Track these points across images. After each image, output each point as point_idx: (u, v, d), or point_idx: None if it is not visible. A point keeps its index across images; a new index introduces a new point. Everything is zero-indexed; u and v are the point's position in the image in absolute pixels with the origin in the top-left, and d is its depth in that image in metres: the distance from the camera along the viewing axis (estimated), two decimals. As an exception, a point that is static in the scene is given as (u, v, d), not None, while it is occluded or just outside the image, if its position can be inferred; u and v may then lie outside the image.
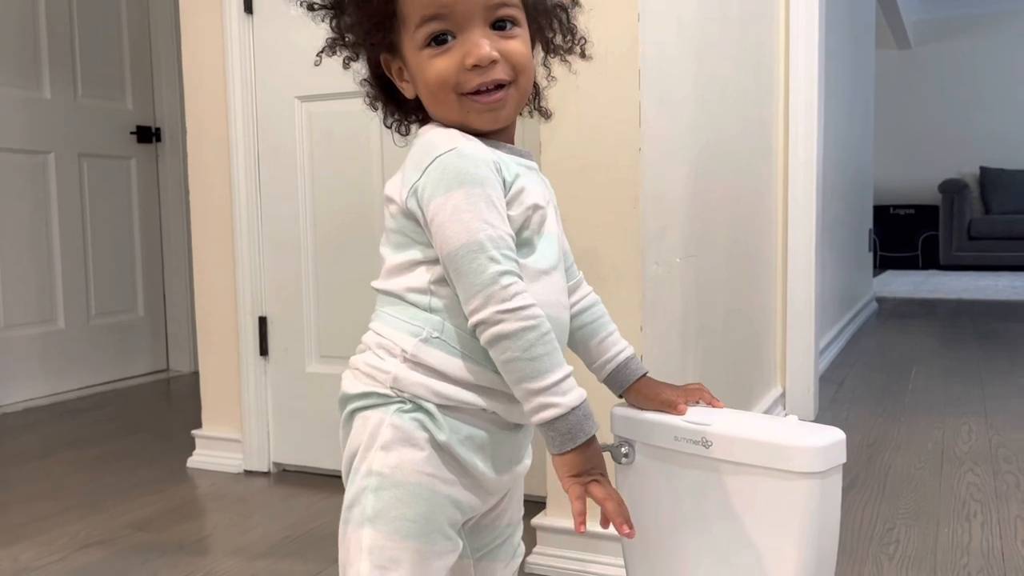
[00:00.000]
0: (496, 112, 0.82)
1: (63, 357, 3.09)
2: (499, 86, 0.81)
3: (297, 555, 1.62)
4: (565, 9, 0.90)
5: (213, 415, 2.20)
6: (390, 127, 0.94)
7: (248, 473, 2.12)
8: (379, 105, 0.93)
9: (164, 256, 3.47)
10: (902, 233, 7.51)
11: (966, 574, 1.46)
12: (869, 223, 5.05)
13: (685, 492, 0.90)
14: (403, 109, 0.91)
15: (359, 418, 0.83)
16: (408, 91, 0.87)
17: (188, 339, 3.39)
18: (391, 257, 0.84)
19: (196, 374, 2.23)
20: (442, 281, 0.81)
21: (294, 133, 2.04)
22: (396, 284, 0.83)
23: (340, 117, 1.98)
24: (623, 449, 0.95)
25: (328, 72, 2.06)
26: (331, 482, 2.01)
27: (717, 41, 1.85)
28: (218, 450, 2.17)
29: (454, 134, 0.82)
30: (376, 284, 0.86)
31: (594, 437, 0.78)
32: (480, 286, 0.76)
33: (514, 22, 0.83)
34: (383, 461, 0.79)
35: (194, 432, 2.22)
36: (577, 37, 0.91)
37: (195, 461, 2.19)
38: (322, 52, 0.90)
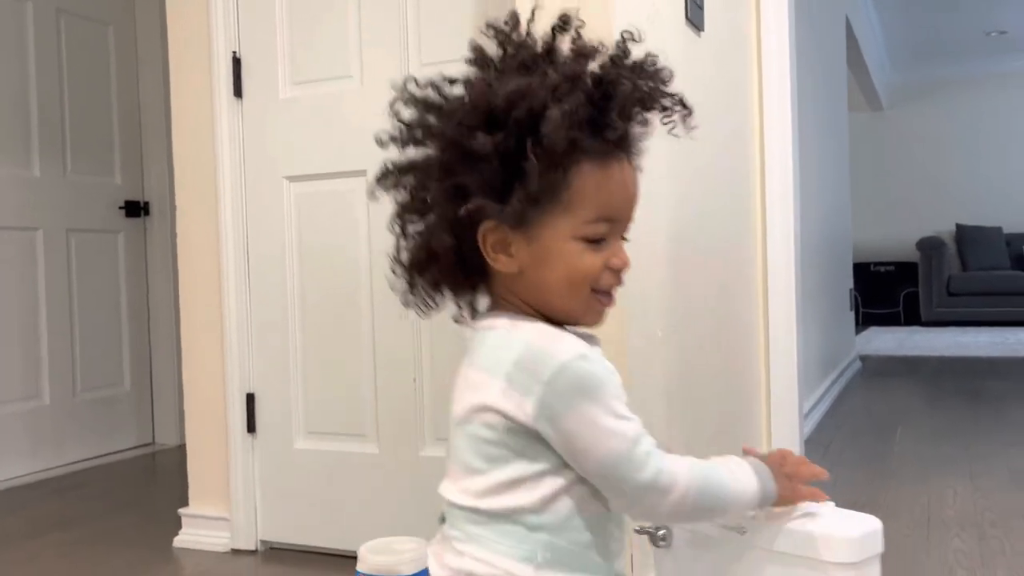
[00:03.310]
0: (605, 314, 0.86)
1: (49, 433, 3.07)
2: (612, 289, 0.85)
3: (285, 638, 1.60)
4: None
5: (200, 492, 2.19)
6: (418, 295, 0.89)
7: (235, 552, 2.10)
8: (427, 270, 0.87)
9: (151, 329, 3.47)
10: (883, 289, 7.61)
11: (955, 645, 1.46)
12: (849, 283, 5.13)
13: (704, 573, 0.90)
14: (456, 278, 0.87)
15: None
16: (505, 265, 0.83)
17: (175, 412, 3.37)
18: (489, 473, 0.79)
19: (182, 447, 2.22)
20: (555, 498, 0.78)
21: (282, 212, 2.07)
22: (499, 503, 0.78)
23: (326, 196, 2.03)
24: (660, 532, 0.95)
25: (315, 152, 2.09)
26: (320, 559, 2.00)
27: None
28: (205, 528, 2.15)
29: (555, 332, 0.81)
30: (462, 500, 0.80)
31: (771, 474, 0.85)
32: (638, 492, 0.78)
33: (625, 238, 0.87)
34: None
35: (180, 511, 2.20)
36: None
37: (181, 540, 2.16)
38: (382, 180, 0.88)
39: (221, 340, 2.13)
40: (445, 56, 1.78)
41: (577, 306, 0.83)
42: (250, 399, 2.11)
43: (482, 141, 0.79)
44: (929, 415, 3.58)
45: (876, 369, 4.99)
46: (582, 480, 0.79)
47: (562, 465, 0.79)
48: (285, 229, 2.07)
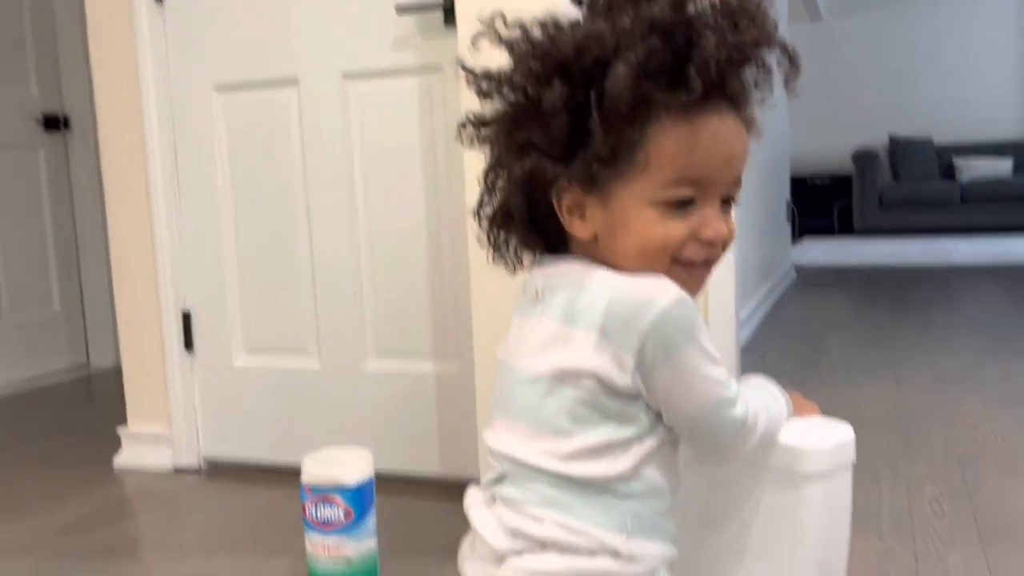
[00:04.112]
0: (698, 286, 0.78)
1: (-24, 357, 2.98)
2: (708, 262, 0.77)
3: (231, 552, 1.61)
4: None
5: (138, 412, 2.16)
6: (501, 252, 0.84)
7: (178, 470, 2.09)
8: (510, 229, 0.82)
9: (79, 248, 3.36)
10: (819, 202, 7.75)
11: (876, 535, 1.54)
12: (787, 195, 5.21)
13: (695, 493, 0.88)
14: (532, 238, 0.82)
15: None
16: (580, 229, 0.77)
17: (109, 333, 3.29)
18: (575, 436, 0.73)
19: (119, 368, 2.18)
20: (643, 464, 0.74)
21: (211, 123, 1.99)
22: (587, 470, 0.73)
23: (258, 107, 1.95)
24: None
25: (244, 60, 2.01)
26: (264, 475, 2.00)
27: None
28: (145, 447, 2.13)
29: (645, 275, 0.74)
30: (543, 463, 0.74)
31: (787, 398, 0.85)
32: (729, 437, 0.76)
33: (734, 199, 0.78)
34: None
35: (119, 430, 2.17)
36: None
37: (122, 460, 2.14)
38: (463, 128, 0.81)
39: (153, 258, 2.07)
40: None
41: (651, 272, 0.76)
42: (186, 317, 2.06)
43: (548, 93, 0.73)
44: (859, 322, 3.70)
45: (810, 279, 5.13)
46: (663, 444, 0.76)
47: (649, 428, 0.75)
48: (216, 141, 2.00)
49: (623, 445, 0.74)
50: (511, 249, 0.84)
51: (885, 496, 1.72)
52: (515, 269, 0.85)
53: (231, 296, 2.03)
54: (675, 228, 0.74)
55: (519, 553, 0.73)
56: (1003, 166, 7.25)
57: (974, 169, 7.26)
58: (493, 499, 0.78)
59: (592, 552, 0.72)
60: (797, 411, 0.86)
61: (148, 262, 2.08)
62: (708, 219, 0.75)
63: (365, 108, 1.86)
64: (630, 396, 0.73)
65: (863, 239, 7.29)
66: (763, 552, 0.85)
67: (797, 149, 6.28)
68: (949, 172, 7.42)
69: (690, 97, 0.71)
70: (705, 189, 0.75)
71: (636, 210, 0.74)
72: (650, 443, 0.75)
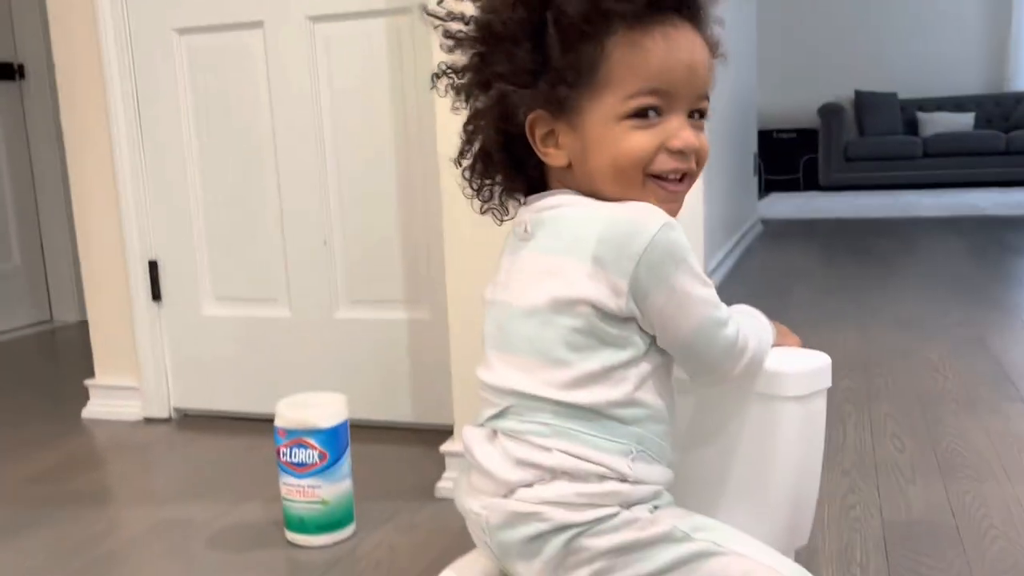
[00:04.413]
0: (676, 203, 0.77)
1: (-65, 312, 2.92)
2: (682, 176, 0.77)
3: (203, 498, 1.61)
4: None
5: (106, 364, 2.14)
6: (486, 201, 0.83)
7: (148, 420, 2.08)
8: (491, 173, 0.81)
9: (39, 201, 3.28)
10: (785, 156, 7.80)
11: (841, 470, 1.58)
12: (754, 148, 5.23)
13: (680, 414, 0.91)
14: (511, 180, 0.82)
15: (594, 539, 0.74)
16: (555, 158, 0.77)
17: (72, 287, 3.24)
18: (575, 364, 0.74)
19: (83, 323, 2.15)
20: (643, 387, 0.75)
21: (174, 67, 1.95)
22: (590, 396, 0.74)
23: (222, 51, 1.91)
24: None
25: (207, 2, 1.96)
26: (236, 424, 2.00)
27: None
28: (114, 399, 2.11)
29: (633, 203, 0.74)
30: (545, 393, 0.74)
31: (773, 327, 0.88)
32: (719, 358, 0.77)
33: (703, 114, 0.78)
34: (652, 531, 0.74)
35: (87, 382, 2.15)
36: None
37: (90, 411, 2.13)
38: (437, 78, 0.80)
39: (117, 208, 2.03)
40: None
41: (629, 191, 0.75)
42: (153, 266, 2.04)
43: (508, 20, 0.72)
44: (824, 273, 3.76)
45: (776, 232, 5.18)
46: (659, 368, 0.77)
47: (645, 351, 0.76)
48: (179, 86, 1.96)
49: (622, 368, 0.74)
50: (495, 197, 0.84)
51: (850, 434, 1.76)
52: (501, 219, 0.85)
53: (199, 244, 2.00)
54: (643, 140, 0.74)
55: (529, 484, 0.74)
56: (964, 120, 7.34)
57: (937, 123, 7.34)
58: (495, 434, 0.78)
59: (601, 477, 0.73)
60: (781, 340, 0.88)
61: (112, 212, 2.04)
62: (675, 129, 0.75)
63: (332, 51, 1.82)
64: (625, 320, 0.74)
65: (829, 193, 7.37)
66: (744, 469, 0.88)
67: (764, 103, 6.30)
68: (913, 127, 7.50)
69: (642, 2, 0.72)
70: (669, 99, 0.75)
71: (604, 128, 0.74)
72: (646, 366, 0.76)
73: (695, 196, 2.64)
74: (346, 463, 1.42)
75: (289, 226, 1.92)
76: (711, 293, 0.75)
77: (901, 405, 1.92)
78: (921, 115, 7.46)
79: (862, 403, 1.94)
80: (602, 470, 0.73)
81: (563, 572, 0.74)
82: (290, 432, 1.38)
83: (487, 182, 0.83)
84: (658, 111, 0.74)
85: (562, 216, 0.77)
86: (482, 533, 0.78)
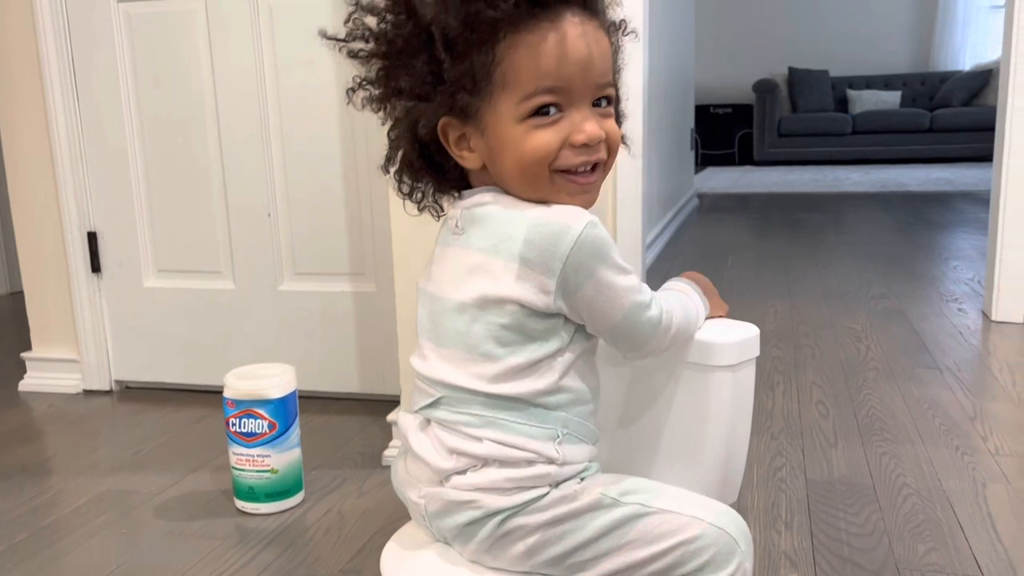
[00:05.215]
0: (591, 194, 0.79)
1: None
2: (594, 167, 0.78)
3: (148, 469, 1.62)
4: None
5: (44, 336, 2.11)
6: (419, 203, 0.85)
7: (88, 393, 2.06)
8: (418, 177, 0.83)
9: (-35, 170, 3.17)
10: (721, 131, 7.95)
11: (770, 435, 1.67)
12: (691, 123, 5.33)
13: (619, 383, 0.96)
14: (439, 183, 0.83)
15: (526, 517, 0.78)
16: (471, 161, 0.78)
17: (2, 259, 3.16)
18: (504, 359, 0.77)
19: (16, 295, 2.12)
20: (567, 374, 0.79)
21: (112, 35, 1.92)
22: (517, 388, 0.77)
23: (163, 18, 1.88)
24: None
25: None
26: (179, 395, 2.00)
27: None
28: (53, 372, 2.09)
29: (562, 207, 0.77)
30: (474, 385, 0.78)
31: (701, 290, 0.92)
32: (647, 337, 0.81)
33: (610, 100, 0.79)
34: (583, 501, 0.79)
35: (24, 355, 2.12)
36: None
37: (28, 384, 2.10)
38: (352, 92, 0.80)
39: (54, 178, 1.99)
40: None
41: (538, 189, 0.77)
42: (92, 237, 2.01)
43: (402, 34, 0.74)
44: (756, 246, 3.88)
45: (712, 205, 5.30)
46: (583, 354, 0.81)
47: (570, 341, 0.79)
48: (117, 54, 1.92)
49: (548, 360, 0.78)
50: (428, 197, 0.85)
51: (778, 401, 1.85)
52: (439, 215, 0.87)
53: (139, 216, 1.98)
54: (545, 138, 0.75)
55: (462, 471, 0.78)
56: (892, 98, 7.58)
57: (865, 101, 7.57)
58: (428, 422, 0.82)
59: (530, 462, 0.77)
60: (714, 310, 0.94)
61: (48, 183, 2.00)
62: (578, 123, 0.76)
63: (276, 20, 1.82)
64: (551, 316, 0.78)
65: (763, 167, 7.55)
66: (679, 433, 0.94)
67: (701, 78, 6.41)
68: (843, 104, 7.71)
69: (515, 4, 0.73)
70: (568, 95, 0.75)
71: (507, 130, 0.75)
72: (570, 355, 0.80)
73: (635, 171, 2.70)
74: (295, 433, 1.44)
75: (233, 198, 1.91)
76: (633, 280, 0.78)
77: (826, 373, 2.02)
78: (851, 92, 7.68)
79: (790, 372, 2.04)
80: (531, 455, 0.77)
81: (499, 550, 0.79)
82: (239, 402, 1.40)
83: (417, 185, 0.84)
84: (558, 107, 0.75)
85: (490, 214, 0.78)
86: (421, 519, 0.83)
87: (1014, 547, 1.22)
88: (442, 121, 0.77)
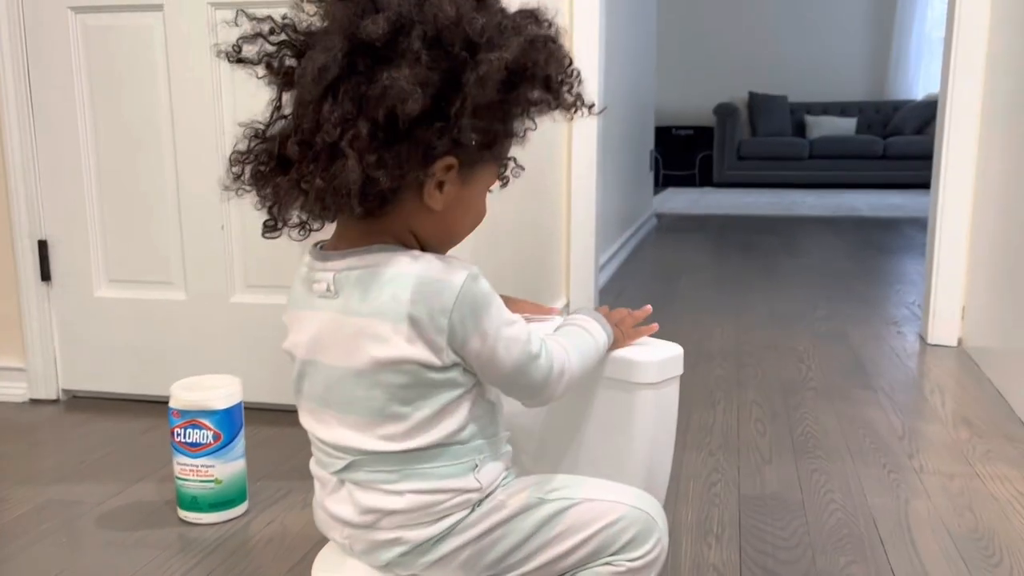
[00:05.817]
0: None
1: None
2: None
3: (93, 479, 1.62)
4: None
5: (-9, 344, 2.09)
6: (314, 214, 0.83)
7: (35, 402, 2.05)
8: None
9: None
10: (682, 153, 8.09)
11: (708, 451, 1.72)
12: (651, 144, 5.42)
13: (528, 430, 1.01)
14: (327, 214, 0.82)
15: (455, 538, 0.82)
16: (437, 201, 0.79)
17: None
18: (411, 416, 0.79)
19: (-33, 302, 2.10)
20: (476, 407, 0.83)
21: (68, 46, 1.92)
22: (430, 437, 0.80)
23: (120, 31, 1.90)
24: None
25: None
26: (127, 405, 2.00)
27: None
28: (-1, 380, 2.08)
29: (436, 257, 0.79)
30: (386, 447, 0.79)
31: (604, 320, 0.96)
32: (540, 386, 0.84)
33: None
34: (511, 504, 0.84)
35: (-31, 363, 2.10)
36: None
37: (-27, 393, 2.09)
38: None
39: (5, 186, 1.99)
40: None
41: (455, 243, 0.87)
42: (43, 246, 2.01)
43: (418, 70, 0.75)
44: (710, 267, 3.96)
45: (669, 226, 5.39)
46: (481, 387, 0.84)
47: (471, 383, 0.82)
48: (73, 65, 1.93)
49: (454, 404, 0.81)
50: (295, 217, 0.84)
51: (718, 418, 1.91)
52: (305, 235, 0.87)
53: (91, 225, 1.99)
54: (485, 206, 0.86)
55: (374, 525, 0.82)
56: (847, 125, 7.78)
57: (822, 127, 7.76)
58: (342, 483, 0.84)
59: (452, 495, 0.82)
60: (629, 339, 0.99)
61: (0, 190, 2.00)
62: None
63: (234, 36, 1.83)
64: (450, 367, 0.80)
65: (722, 189, 7.68)
66: (604, 447, 1.00)
67: (663, 100, 6.52)
68: (801, 129, 7.90)
69: (562, 105, 0.84)
70: None
71: (481, 191, 0.84)
72: (474, 394, 0.84)
73: (589, 191, 2.76)
74: (240, 444, 1.46)
75: (186, 210, 1.93)
76: (519, 330, 0.81)
77: (766, 392, 2.08)
78: (809, 118, 7.87)
79: (731, 390, 2.10)
80: (453, 494, 0.81)
81: (436, 571, 0.83)
82: (184, 413, 1.42)
83: (290, 204, 0.83)
84: None
85: (371, 276, 0.78)
86: (350, 553, 0.86)
87: (931, 561, 1.28)
88: (448, 159, 0.77)
